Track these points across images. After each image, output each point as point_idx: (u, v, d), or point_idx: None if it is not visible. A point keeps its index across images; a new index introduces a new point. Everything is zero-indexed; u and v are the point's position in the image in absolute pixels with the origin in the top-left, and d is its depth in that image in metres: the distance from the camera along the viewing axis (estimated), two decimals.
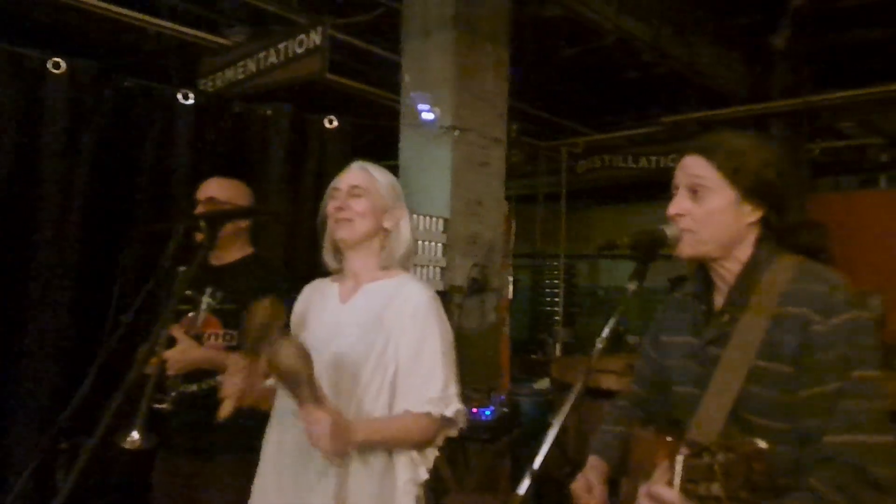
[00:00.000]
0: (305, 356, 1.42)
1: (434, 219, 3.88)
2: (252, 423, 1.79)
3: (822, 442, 1.20)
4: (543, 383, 4.32)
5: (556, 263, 6.80)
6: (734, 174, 1.34)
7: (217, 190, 2.36)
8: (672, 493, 1.08)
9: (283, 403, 1.70)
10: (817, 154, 6.35)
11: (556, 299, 6.48)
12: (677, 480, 1.07)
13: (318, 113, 3.75)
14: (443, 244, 3.89)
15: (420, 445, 1.63)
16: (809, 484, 1.18)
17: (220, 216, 1.73)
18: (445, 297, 3.86)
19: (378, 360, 1.63)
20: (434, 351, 1.62)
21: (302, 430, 1.59)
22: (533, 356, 5.97)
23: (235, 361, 1.65)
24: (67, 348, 2.76)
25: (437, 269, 3.87)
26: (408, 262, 1.79)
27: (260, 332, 1.56)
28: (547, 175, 6.77)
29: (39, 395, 2.72)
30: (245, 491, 1.89)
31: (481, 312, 3.99)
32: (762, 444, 1.00)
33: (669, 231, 1.38)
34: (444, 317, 1.70)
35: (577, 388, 1.30)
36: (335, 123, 3.62)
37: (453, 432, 1.69)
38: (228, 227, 2.27)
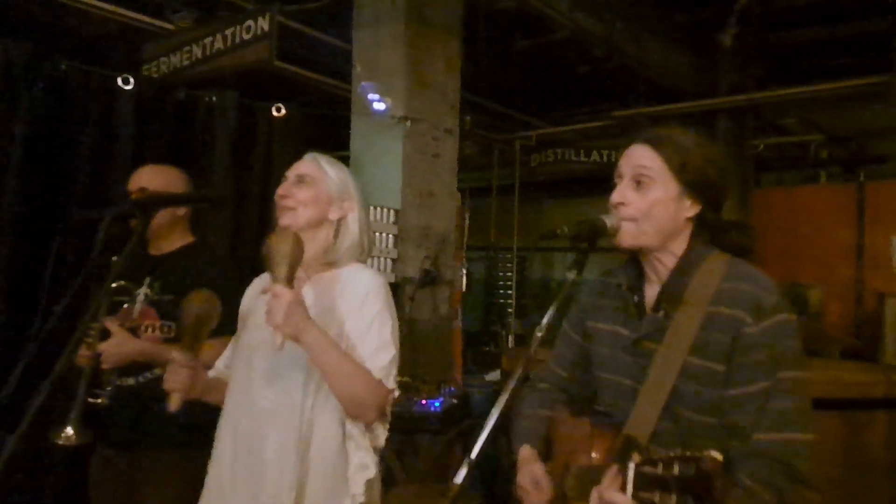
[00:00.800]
0: (300, 248, 1.49)
1: (385, 210, 3.84)
2: (190, 417, 1.74)
3: (752, 439, 1.24)
4: (495, 375, 4.32)
5: (509, 256, 6.83)
6: (680, 168, 1.35)
7: (149, 179, 2.25)
8: (625, 500, 1.09)
9: (236, 394, 1.68)
10: (761, 150, 6.49)
11: (510, 291, 6.51)
12: (629, 488, 1.08)
13: (268, 101, 3.67)
14: (394, 235, 3.86)
15: (366, 405, 1.58)
16: (739, 479, 1.21)
17: (151, 203, 1.66)
18: (397, 288, 3.83)
19: None
20: (384, 328, 1.62)
21: (255, 418, 1.60)
22: (486, 348, 5.98)
23: (178, 355, 1.60)
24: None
25: (389, 261, 3.84)
26: (360, 256, 1.76)
27: (196, 325, 1.52)
28: (500, 168, 6.78)
29: None
30: (184, 486, 1.84)
31: (433, 304, 3.98)
32: (718, 455, 0.99)
33: (609, 221, 1.38)
34: (393, 306, 1.69)
35: (515, 377, 1.29)
36: (283, 112, 3.54)
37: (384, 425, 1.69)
38: (166, 216, 2.21)
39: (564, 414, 1.54)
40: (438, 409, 2.81)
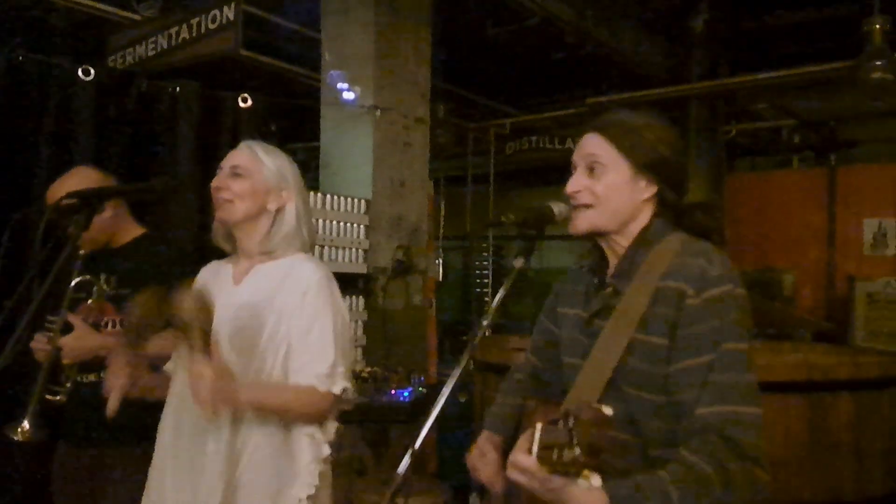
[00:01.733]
0: (206, 307, 1.44)
1: (356, 200, 3.82)
2: (152, 413, 1.73)
3: (694, 414, 1.22)
4: (470, 363, 4.33)
5: (485, 245, 6.83)
6: (629, 150, 1.35)
7: (77, 183, 2.07)
8: (530, 460, 1.08)
9: (180, 388, 1.66)
10: (734, 135, 6.54)
11: (486, 280, 6.52)
12: (535, 448, 1.08)
13: (234, 91, 3.62)
14: (365, 226, 3.84)
15: (310, 419, 1.61)
16: (679, 454, 1.19)
17: (95, 196, 1.63)
18: (369, 278, 3.81)
19: (269, 341, 1.61)
20: (325, 329, 1.60)
21: (196, 413, 1.56)
22: (464, 338, 5.99)
23: (117, 355, 1.59)
24: None
25: (361, 251, 3.82)
26: (302, 246, 1.74)
27: (140, 325, 1.51)
28: (475, 156, 6.77)
29: None
30: (146, 480, 1.83)
31: (406, 294, 3.97)
32: (607, 410, 1.01)
33: (557, 208, 1.40)
34: (338, 296, 1.68)
35: (462, 364, 1.29)
36: (249, 102, 3.49)
37: (347, 406, 1.68)
38: (108, 212, 2.13)
39: (535, 401, 1.55)
40: (407, 400, 2.80)
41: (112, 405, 1.57)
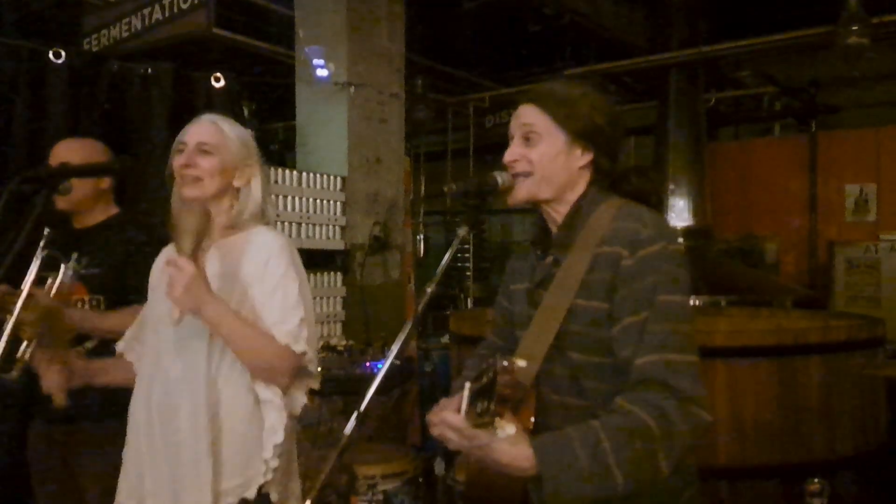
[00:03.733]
0: (206, 218, 1.53)
1: (332, 177, 3.84)
2: (122, 389, 1.76)
3: (633, 366, 1.25)
4: (447, 337, 4.39)
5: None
6: (564, 119, 1.38)
7: (68, 153, 2.19)
8: (457, 418, 1.15)
9: (148, 364, 1.70)
10: (716, 104, 6.54)
11: (468, 255, 6.54)
12: (464, 405, 1.14)
13: (207, 70, 3.63)
14: (342, 202, 3.86)
15: (268, 371, 1.61)
16: (616, 403, 1.23)
17: (57, 174, 1.65)
18: (347, 255, 3.85)
19: (235, 311, 1.61)
20: (289, 293, 1.62)
21: (166, 388, 1.62)
22: (447, 312, 6.05)
23: (40, 359, 1.64)
24: None
25: (338, 228, 3.85)
26: (263, 219, 1.74)
27: (38, 323, 1.57)
28: (455, 131, 6.76)
29: None
30: (121, 455, 1.87)
31: (384, 270, 4.01)
32: (520, 362, 1.09)
33: (501, 178, 1.41)
34: (300, 264, 1.70)
35: (407, 329, 1.34)
36: (222, 82, 3.50)
37: (314, 384, 1.71)
38: (88, 189, 2.19)
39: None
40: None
41: (58, 401, 1.62)
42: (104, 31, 4.33)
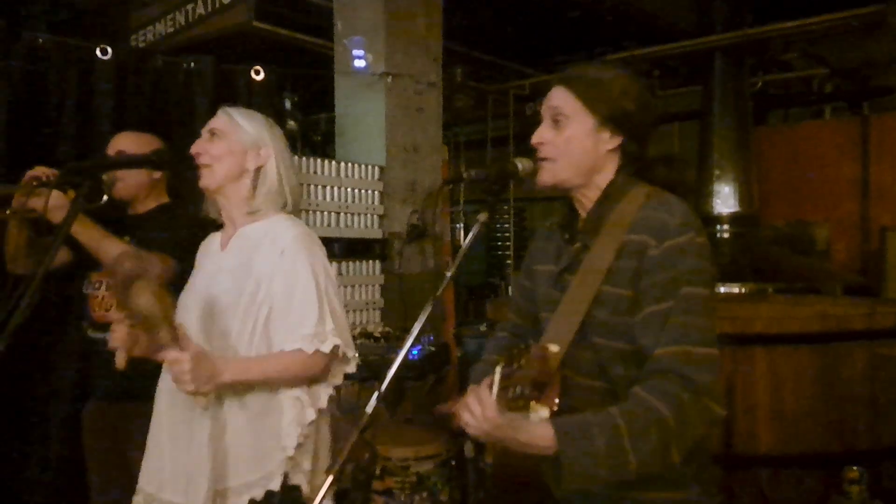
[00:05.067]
0: (163, 298, 1.43)
1: (370, 167, 3.89)
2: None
3: (653, 355, 1.27)
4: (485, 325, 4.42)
5: (506, 208, 6.84)
6: (592, 101, 1.37)
7: (127, 143, 2.36)
8: (490, 400, 1.15)
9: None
10: (763, 88, 6.38)
11: (508, 243, 6.53)
12: (495, 388, 1.14)
13: (250, 63, 3.70)
14: (379, 192, 3.91)
15: (303, 381, 1.64)
16: (633, 391, 1.25)
17: (97, 167, 1.73)
18: (385, 243, 3.90)
19: (248, 305, 1.65)
20: (307, 288, 1.63)
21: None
22: (486, 300, 6.07)
23: (116, 315, 1.68)
24: None
25: (376, 217, 3.90)
26: (285, 206, 1.77)
27: (126, 282, 1.59)
28: (495, 119, 6.75)
29: None
30: None
31: (422, 258, 4.05)
32: (553, 347, 1.11)
33: (521, 164, 1.42)
34: (319, 252, 1.71)
35: (426, 313, 1.36)
36: (262, 75, 3.57)
37: (350, 368, 1.73)
38: (142, 179, 2.34)
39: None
40: (416, 357, 2.90)
41: (120, 361, 1.64)
42: (150, 28, 4.48)
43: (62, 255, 2.25)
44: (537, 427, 1.18)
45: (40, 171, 2.03)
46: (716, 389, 1.24)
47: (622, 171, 1.41)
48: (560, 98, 1.40)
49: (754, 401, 3.07)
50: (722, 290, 4.66)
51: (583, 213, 1.45)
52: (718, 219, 5.34)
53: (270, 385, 1.64)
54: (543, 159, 1.41)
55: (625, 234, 1.34)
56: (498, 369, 1.14)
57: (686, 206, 1.35)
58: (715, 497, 1.41)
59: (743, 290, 4.79)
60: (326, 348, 1.61)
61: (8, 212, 1.98)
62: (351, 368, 1.75)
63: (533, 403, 1.11)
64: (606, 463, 1.18)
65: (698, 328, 1.26)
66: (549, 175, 1.41)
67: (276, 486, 1.63)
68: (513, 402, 1.12)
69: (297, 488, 1.66)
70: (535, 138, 1.42)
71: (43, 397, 2.85)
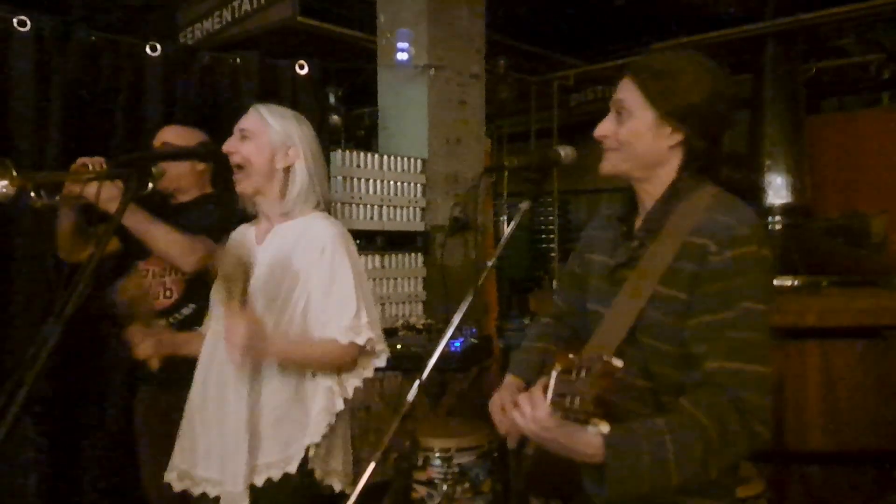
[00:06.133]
0: (246, 263, 1.58)
1: (412, 159, 3.90)
2: None
3: (703, 367, 1.25)
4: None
5: (550, 200, 6.78)
6: (655, 95, 1.34)
7: (171, 136, 2.43)
8: (543, 404, 1.14)
9: (209, 345, 1.83)
10: (816, 74, 6.18)
11: (552, 236, 6.48)
12: (550, 394, 1.13)
13: (295, 58, 3.74)
14: (422, 184, 3.92)
15: (335, 369, 1.72)
16: (680, 404, 1.24)
17: (146, 159, 1.79)
18: (427, 236, 3.91)
19: (285, 299, 1.72)
20: (345, 283, 1.70)
21: (221, 364, 1.73)
22: (530, 293, 6.03)
23: (136, 330, 1.76)
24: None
25: (418, 210, 3.92)
26: (316, 203, 1.82)
27: (135, 302, 1.68)
28: (539, 111, 6.69)
29: None
30: None
31: (465, 250, 4.04)
32: (618, 363, 1.06)
33: (563, 152, 1.42)
34: (354, 250, 1.77)
35: (467, 304, 1.36)
36: (306, 69, 3.61)
37: (380, 362, 1.78)
38: (186, 170, 2.40)
39: (557, 348, 1.58)
40: (458, 349, 2.92)
41: (153, 364, 1.80)
42: (198, 25, 4.57)
43: (112, 245, 2.32)
44: (587, 436, 1.17)
45: (89, 159, 2.10)
46: (765, 411, 1.23)
47: (686, 168, 1.38)
48: (625, 90, 1.38)
49: (805, 396, 2.99)
50: (775, 283, 4.55)
51: (644, 208, 1.43)
52: (770, 210, 5.22)
53: (305, 371, 1.71)
54: (607, 150, 1.41)
55: (687, 235, 1.31)
56: (554, 373, 1.13)
57: (753, 214, 1.32)
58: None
59: (795, 283, 4.66)
60: (361, 340, 1.69)
61: (57, 198, 2.06)
62: (381, 362, 1.81)
63: (594, 420, 1.09)
64: (650, 478, 1.19)
65: (753, 345, 1.25)
66: (608, 165, 1.41)
67: (292, 469, 1.70)
68: (570, 411, 1.10)
69: (311, 473, 1.73)
70: (598, 131, 1.42)
71: (97, 383, 2.95)
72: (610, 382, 1.05)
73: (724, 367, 1.23)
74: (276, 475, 1.70)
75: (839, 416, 2.99)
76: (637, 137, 1.36)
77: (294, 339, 1.72)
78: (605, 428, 1.09)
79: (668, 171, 1.38)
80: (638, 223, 1.43)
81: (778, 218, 5.23)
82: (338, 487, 1.76)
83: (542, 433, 1.17)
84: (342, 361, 1.72)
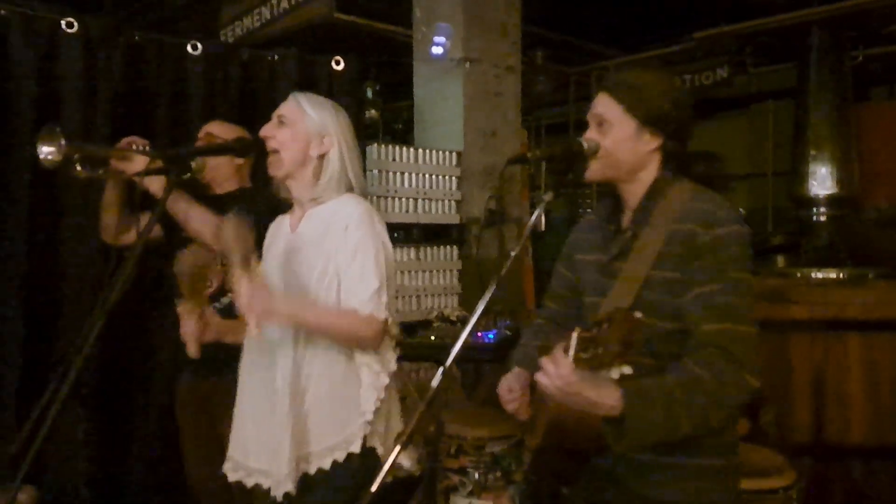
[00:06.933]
0: (243, 233, 1.62)
1: (447, 152, 3.93)
2: None
3: (699, 330, 1.42)
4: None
5: (588, 192, 6.74)
6: (632, 106, 1.50)
7: (216, 129, 2.54)
8: (566, 361, 1.23)
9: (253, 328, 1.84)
10: (864, 62, 6.00)
11: None
12: (571, 352, 1.22)
13: (334, 53, 3.80)
14: (457, 177, 3.95)
15: (355, 341, 1.72)
16: (683, 362, 1.40)
17: (187, 155, 1.85)
18: (462, 229, 3.94)
19: (320, 281, 1.75)
20: (367, 258, 1.72)
21: (267, 349, 1.77)
22: None
23: (182, 308, 1.80)
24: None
25: (453, 202, 3.94)
26: (348, 188, 1.84)
27: (196, 274, 1.71)
28: (577, 102, 6.64)
29: None
30: None
31: (500, 243, 4.06)
32: (637, 314, 1.18)
33: (586, 143, 1.50)
34: (382, 231, 1.79)
35: (490, 292, 1.39)
36: (342, 65, 3.66)
37: (397, 336, 1.82)
38: (224, 164, 2.48)
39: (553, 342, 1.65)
40: (492, 340, 2.94)
41: (192, 350, 1.81)
42: (238, 23, 4.66)
43: (155, 232, 2.39)
44: (607, 387, 1.28)
45: (134, 139, 2.19)
46: (753, 363, 1.39)
47: (664, 168, 1.55)
48: (603, 105, 1.53)
49: (847, 389, 2.94)
50: (819, 275, 4.47)
51: (629, 206, 1.57)
52: (814, 201, 5.12)
53: (327, 336, 1.72)
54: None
55: (672, 223, 1.47)
56: (575, 335, 1.22)
57: (727, 201, 1.50)
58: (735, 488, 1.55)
59: (841, 276, 4.56)
60: (381, 315, 1.70)
61: (102, 171, 2.14)
62: (398, 336, 1.85)
63: (618, 361, 1.19)
64: (663, 426, 1.33)
65: (741, 308, 1.41)
66: (596, 171, 1.55)
67: (356, 448, 1.73)
68: (594, 360, 1.20)
69: (373, 450, 1.76)
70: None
71: (142, 370, 3.05)
72: (632, 324, 1.16)
73: (717, 328, 1.40)
74: (340, 457, 1.72)
75: (882, 410, 2.93)
76: (620, 145, 1.51)
77: (311, 303, 1.72)
78: (627, 369, 1.20)
79: (650, 172, 1.55)
80: (625, 220, 1.58)
81: (823, 209, 5.12)
82: (406, 464, 1.77)
83: (566, 389, 1.26)
84: (360, 333, 1.70)
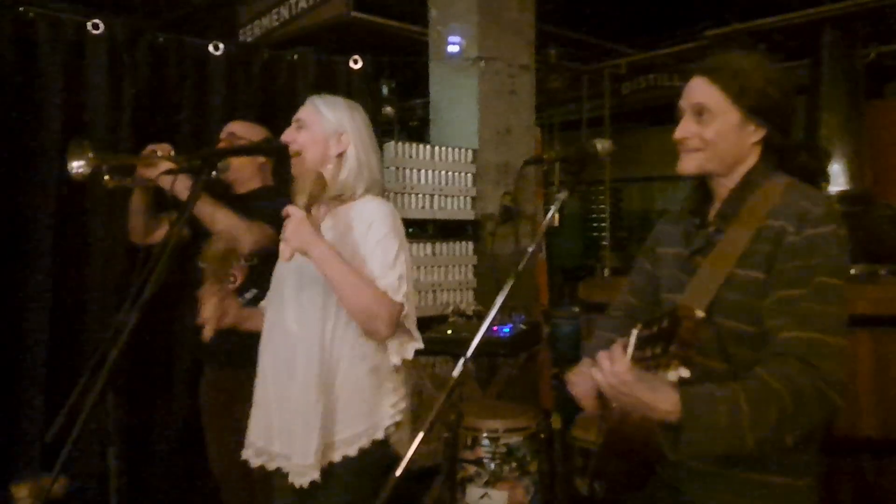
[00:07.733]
0: (319, 180, 1.75)
1: (463, 150, 3.98)
2: None
3: (778, 337, 1.28)
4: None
5: (602, 188, 6.77)
6: (738, 95, 1.37)
7: (238, 128, 2.61)
8: (623, 359, 1.18)
9: (271, 318, 1.92)
10: (877, 59, 6.00)
11: (604, 225, 6.46)
12: (630, 350, 1.18)
13: (351, 52, 3.85)
14: (472, 174, 4.01)
15: (366, 315, 1.74)
16: (755, 371, 1.26)
17: (216, 155, 1.92)
18: (477, 225, 4.00)
19: None
20: (389, 250, 1.78)
21: (287, 341, 1.83)
22: (580, 282, 6.05)
23: (207, 289, 1.85)
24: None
25: (468, 199, 4.00)
26: (367, 186, 1.89)
27: (221, 260, 1.78)
28: (590, 99, 6.67)
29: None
30: None
31: (515, 239, 4.11)
32: (699, 313, 1.09)
33: (600, 145, 1.47)
34: (401, 231, 1.85)
35: (506, 290, 1.43)
36: (360, 64, 3.72)
37: (419, 344, 1.86)
38: (246, 163, 2.56)
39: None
40: (507, 335, 2.99)
41: (207, 332, 1.84)
42: (257, 22, 4.73)
43: (183, 232, 2.46)
44: (665, 390, 1.19)
45: (157, 146, 2.26)
46: (838, 379, 1.24)
47: (763, 162, 1.42)
48: (703, 93, 1.40)
49: (857, 383, 2.97)
50: None
51: (719, 198, 1.46)
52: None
53: (345, 298, 1.74)
54: (690, 151, 1.43)
55: (763, 219, 1.34)
56: (635, 332, 1.17)
57: (828, 198, 1.36)
58: (815, 488, 1.40)
59: (853, 272, 4.58)
60: (398, 298, 1.74)
61: (129, 180, 2.20)
62: (419, 345, 1.87)
63: (675, 362, 1.09)
64: (725, 438, 1.21)
65: (829, 316, 1.27)
66: (692, 163, 1.43)
67: (381, 435, 1.79)
68: (652, 360, 1.12)
69: (386, 441, 1.81)
70: (680, 133, 1.43)
71: (167, 362, 3.13)
72: (692, 326, 1.07)
73: (799, 336, 1.25)
74: (365, 444, 1.78)
75: (892, 405, 2.97)
76: (723, 137, 1.39)
77: (342, 258, 1.74)
78: (684, 372, 1.10)
79: (747, 165, 1.42)
80: (712, 213, 1.47)
81: (835, 206, 5.13)
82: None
83: (620, 388, 1.20)
84: (374, 309, 1.72)
